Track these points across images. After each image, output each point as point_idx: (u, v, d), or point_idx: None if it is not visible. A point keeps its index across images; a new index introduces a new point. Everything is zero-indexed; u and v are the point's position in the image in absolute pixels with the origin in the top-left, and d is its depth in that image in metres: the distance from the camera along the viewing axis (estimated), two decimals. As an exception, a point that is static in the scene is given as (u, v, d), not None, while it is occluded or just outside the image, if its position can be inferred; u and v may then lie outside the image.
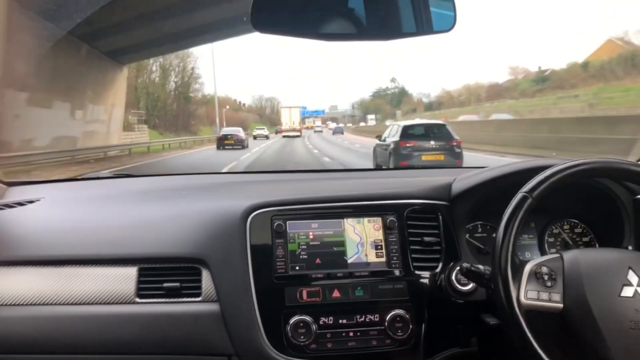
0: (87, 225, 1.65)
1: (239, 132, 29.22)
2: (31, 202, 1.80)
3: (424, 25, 1.51)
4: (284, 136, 47.40)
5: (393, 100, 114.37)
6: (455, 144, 11.72)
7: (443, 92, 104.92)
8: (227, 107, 58.58)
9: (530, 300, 1.17)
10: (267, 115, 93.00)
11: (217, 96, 63.92)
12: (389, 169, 3.01)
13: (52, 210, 1.78)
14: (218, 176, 2.38)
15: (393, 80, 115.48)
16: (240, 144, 27.24)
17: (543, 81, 54.02)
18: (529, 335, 1.13)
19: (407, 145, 11.64)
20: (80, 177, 2.24)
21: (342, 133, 52.76)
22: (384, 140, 12.78)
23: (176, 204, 1.74)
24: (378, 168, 2.89)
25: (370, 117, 78.15)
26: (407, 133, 11.95)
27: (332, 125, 76.50)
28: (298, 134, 48.45)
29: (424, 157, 11.44)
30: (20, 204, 1.78)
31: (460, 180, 1.67)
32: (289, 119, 53.79)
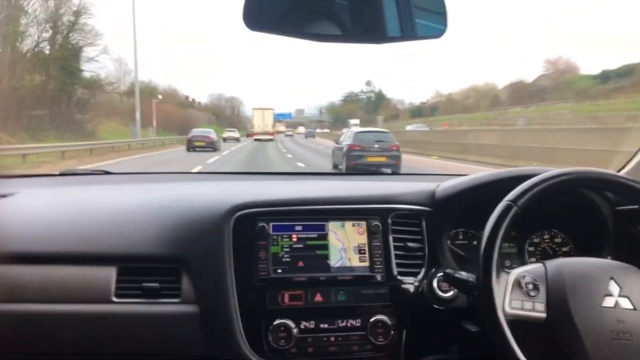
0: (64, 222, 1.61)
1: (211, 133, 28.51)
2: (4, 196, 1.74)
3: (409, 30, 1.51)
4: (255, 139, 45.67)
5: (368, 105, 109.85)
6: (395, 148, 14.38)
7: (437, 95, 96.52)
8: (160, 96, 49.86)
9: (514, 309, 1.18)
10: (226, 116, 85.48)
11: (147, 83, 51.73)
12: (374, 173, 3.03)
13: (26, 206, 1.73)
14: (200, 176, 2.35)
15: (368, 83, 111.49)
16: (212, 146, 26.70)
17: (620, 77, 40.31)
18: (513, 344, 1.13)
19: (356, 148, 14.01)
20: (57, 173, 2.19)
21: (314, 137, 57.53)
22: (340, 144, 15.30)
23: (157, 202, 1.70)
24: (362, 173, 2.92)
25: (354, 121, 77.34)
26: (358, 138, 14.42)
27: (301, 129, 77.90)
28: (271, 137, 46.68)
29: (369, 159, 13.88)
30: None
31: (444, 187, 1.68)
32: (261, 122, 51.62)
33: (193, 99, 78.04)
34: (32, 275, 1.46)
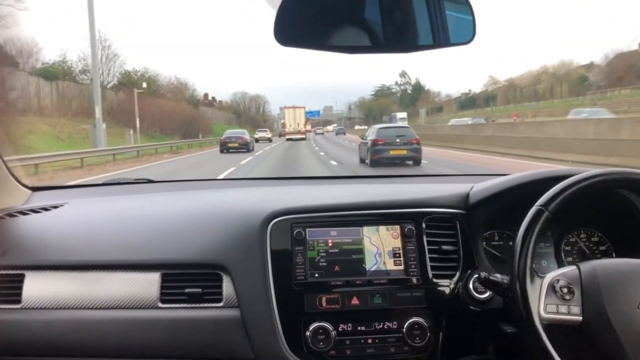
0: (111, 231, 1.69)
1: (244, 134, 28.62)
2: (55, 207, 1.84)
3: (441, 37, 1.52)
4: (287, 139, 44.76)
5: (404, 98, 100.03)
6: (415, 142, 15.78)
7: (492, 82, 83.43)
8: (145, 85, 40.55)
9: (549, 313, 1.19)
10: (250, 115, 79.71)
11: (135, 72, 44.26)
12: (407, 176, 3.04)
13: (76, 216, 1.83)
14: (238, 182, 2.42)
15: (403, 74, 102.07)
16: (245, 147, 26.77)
17: None
18: (551, 349, 1.14)
19: (380, 142, 15.61)
20: (102, 183, 2.28)
21: (344, 134, 59.22)
22: (365, 139, 16.83)
23: (197, 209, 1.77)
24: (395, 175, 2.95)
25: (401, 115, 67.93)
26: (381, 133, 16.08)
27: (330, 127, 77.42)
28: (303, 136, 45.84)
29: (391, 152, 15.51)
30: (45, 209, 1.82)
31: (478, 189, 1.69)
32: (293, 121, 50.12)
33: (213, 97, 74.19)
34: (80, 282, 1.54)
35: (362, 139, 17.76)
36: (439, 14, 1.52)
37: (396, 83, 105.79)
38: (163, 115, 40.81)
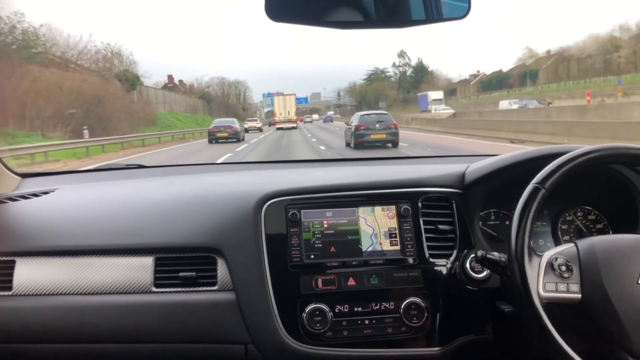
0: (103, 216, 1.67)
1: (234, 123, 27.32)
2: (46, 193, 1.81)
3: (434, 12, 1.50)
4: (277, 128, 43.04)
5: (403, 81, 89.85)
6: (393, 126, 17.78)
7: (529, 55, 69.12)
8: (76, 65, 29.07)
9: (548, 292, 1.18)
10: (227, 103, 66.80)
11: None
12: (402, 157, 3.05)
13: (68, 201, 1.80)
14: (230, 166, 2.40)
15: (401, 54, 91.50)
16: (235, 137, 25.50)
17: None
18: (550, 327, 1.14)
19: (362, 128, 17.53)
20: (93, 168, 2.25)
21: (332, 122, 58.71)
22: (350, 125, 18.87)
23: (189, 193, 1.75)
24: (391, 157, 2.97)
25: (435, 95, 60.40)
26: (363, 120, 18.11)
27: (316, 116, 74.82)
28: (294, 125, 44.22)
29: (372, 136, 17.34)
30: (35, 195, 1.79)
31: (474, 168, 1.67)
32: (284, 109, 48.05)
33: (180, 80, 62.73)
34: (73, 268, 1.52)
35: (347, 125, 19.83)
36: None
37: (394, 65, 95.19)
38: (45, 96, 24.07)
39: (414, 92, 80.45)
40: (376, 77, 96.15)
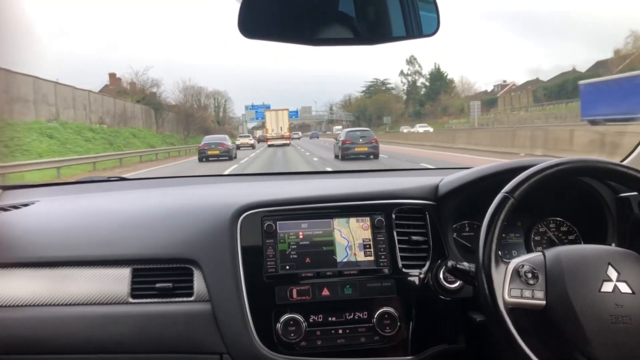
0: (81, 227, 1.68)
1: (225, 140, 25.56)
2: (26, 205, 1.82)
3: (413, 29, 1.53)
4: (269, 145, 40.30)
5: (412, 92, 74.88)
6: (373, 141, 20.69)
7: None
8: None
9: (513, 298, 1.20)
10: (193, 114, 48.69)
11: None
12: (379, 170, 3.07)
13: (47, 213, 1.81)
14: (208, 178, 2.42)
15: (411, 61, 75.12)
16: (227, 154, 23.81)
17: None
18: (514, 332, 1.16)
19: (347, 142, 20.46)
20: (74, 181, 2.27)
21: (318, 137, 59.36)
22: (337, 140, 22.16)
23: (167, 205, 1.77)
24: (367, 170, 3.01)
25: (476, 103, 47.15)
26: (348, 135, 21.14)
27: (299, 133, 68.86)
28: (287, 142, 41.84)
29: (356, 149, 20.15)
30: (15, 207, 1.80)
31: (447, 181, 1.71)
32: (276, 124, 44.66)
33: (113, 74, 42.02)
34: (50, 279, 1.53)
35: (336, 139, 23.53)
36: (411, 6, 1.53)
37: (401, 73, 78.47)
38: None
39: (430, 104, 67.95)
40: (376, 90, 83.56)
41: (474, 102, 48.16)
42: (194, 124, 46.47)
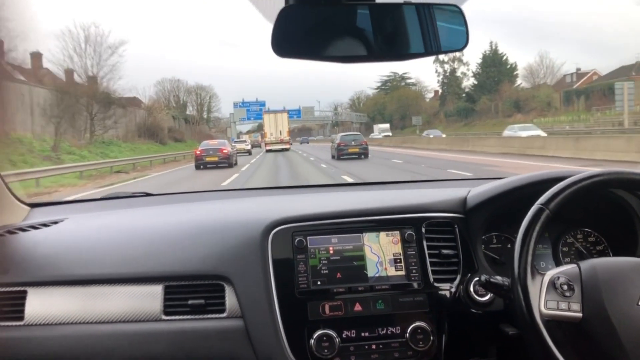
0: (112, 244, 1.70)
1: (225, 145, 23.42)
2: (55, 222, 1.84)
3: (432, 45, 1.55)
4: (267, 150, 38.43)
5: (451, 84, 57.79)
6: (364, 143, 26.07)
7: None
8: None
9: (550, 310, 1.21)
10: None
11: None
12: (404, 182, 3.05)
13: (76, 230, 1.83)
14: (234, 192, 2.43)
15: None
16: (227, 161, 21.96)
17: None
18: (551, 344, 1.17)
19: (342, 144, 25.69)
20: (101, 197, 2.28)
21: (308, 142, 60.30)
22: (333, 143, 27.63)
23: (196, 220, 1.78)
24: (393, 182, 3.01)
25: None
26: (343, 139, 26.45)
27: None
28: (286, 146, 39.93)
29: (349, 150, 25.35)
30: (45, 225, 1.82)
31: (475, 193, 1.71)
32: (275, 128, 42.11)
33: (35, 52, 32.44)
34: (83, 297, 1.55)
35: (332, 142, 28.64)
36: (430, 22, 1.55)
37: (436, 60, 59.89)
38: None
39: (487, 97, 50.51)
40: (394, 86, 70.05)
41: (624, 83, 29.54)
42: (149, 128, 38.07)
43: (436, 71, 61.62)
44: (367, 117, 70.61)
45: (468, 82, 59.41)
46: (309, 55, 1.43)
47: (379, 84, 74.98)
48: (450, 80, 60.25)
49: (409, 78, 72.05)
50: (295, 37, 1.38)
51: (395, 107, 64.70)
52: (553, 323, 1.22)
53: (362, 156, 25.14)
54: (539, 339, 1.18)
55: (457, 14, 1.49)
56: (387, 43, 1.50)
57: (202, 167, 21.77)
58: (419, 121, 54.95)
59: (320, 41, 1.40)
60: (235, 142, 36.83)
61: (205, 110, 58.16)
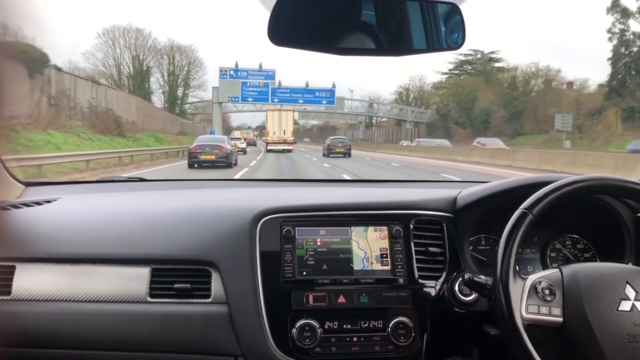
0: (102, 226, 1.70)
1: (223, 142, 20.15)
2: (48, 201, 1.85)
3: (434, 42, 1.55)
4: (268, 150, 35.91)
5: (631, 51, 32.62)
6: (348, 145, 33.39)
7: None
8: None
9: (530, 314, 1.21)
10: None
11: None
12: (396, 180, 3.07)
13: (69, 210, 1.84)
14: (229, 183, 2.44)
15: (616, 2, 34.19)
16: (225, 161, 19.00)
17: None
18: (531, 348, 1.17)
19: (331, 145, 32.71)
20: (95, 180, 2.29)
21: (295, 143, 50.54)
22: (325, 144, 34.54)
23: (188, 207, 1.79)
24: (385, 180, 3.04)
25: None
26: (332, 142, 33.64)
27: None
28: (289, 147, 37.04)
29: (336, 150, 32.03)
30: (38, 203, 1.83)
31: (465, 194, 1.72)
32: (278, 127, 38.28)
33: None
34: (71, 275, 1.55)
35: (324, 143, 35.29)
36: (433, 19, 1.55)
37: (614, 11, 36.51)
38: None
39: None
40: (478, 69, 47.93)
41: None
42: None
43: (611, 32, 35.29)
44: (438, 114, 48.49)
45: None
46: (307, 45, 1.43)
47: (451, 66, 51.75)
48: (632, 42, 33.74)
49: (499, 56, 48.06)
50: (292, 25, 1.38)
51: (489, 99, 38.37)
52: (534, 327, 1.22)
53: (346, 155, 31.73)
54: (519, 342, 1.19)
55: (456, 13, 1.49)
56: (390, 38, 1.50)
57: (196, 165, 19.02)
58: (568, 123, 33.64)
59: (318, 31, 1.40)
60: (230, 138, 30.13)
61: (182, 85, 39.36)
